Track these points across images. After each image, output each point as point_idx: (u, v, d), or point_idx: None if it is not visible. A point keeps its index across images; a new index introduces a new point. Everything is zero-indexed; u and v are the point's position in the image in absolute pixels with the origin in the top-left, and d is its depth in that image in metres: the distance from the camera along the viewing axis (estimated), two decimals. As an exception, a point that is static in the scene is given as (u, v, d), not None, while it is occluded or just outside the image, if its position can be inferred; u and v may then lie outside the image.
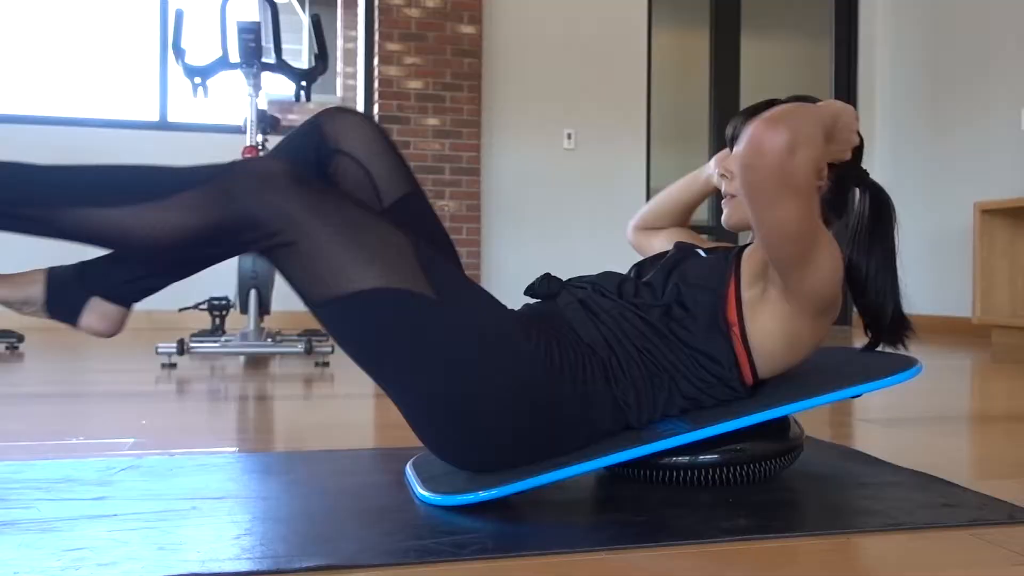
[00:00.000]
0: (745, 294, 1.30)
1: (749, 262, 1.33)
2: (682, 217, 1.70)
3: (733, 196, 1.44)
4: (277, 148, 1.36)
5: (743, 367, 1.31)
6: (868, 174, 1.42)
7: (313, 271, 1.17)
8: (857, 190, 1.41)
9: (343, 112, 1.33)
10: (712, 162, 1.56)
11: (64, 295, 1.22)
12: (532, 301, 1.43)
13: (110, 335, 1.25)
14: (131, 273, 1.22)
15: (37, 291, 1.23)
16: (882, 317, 1.37)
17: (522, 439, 1.26)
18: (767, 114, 1.12)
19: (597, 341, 1.30)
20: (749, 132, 1.12)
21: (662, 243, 1.67)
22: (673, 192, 1.68)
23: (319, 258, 1.16)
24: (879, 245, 1.37)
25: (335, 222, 1.16)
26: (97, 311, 1.23)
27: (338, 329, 1.22)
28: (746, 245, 1.39)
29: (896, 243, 1.38)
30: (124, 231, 1.14)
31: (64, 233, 1.15)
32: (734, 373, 1.31)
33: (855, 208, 1.39)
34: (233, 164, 1.17)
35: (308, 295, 1.20)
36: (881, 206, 1.39)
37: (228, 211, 1.13)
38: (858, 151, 1.36)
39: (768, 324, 1.29)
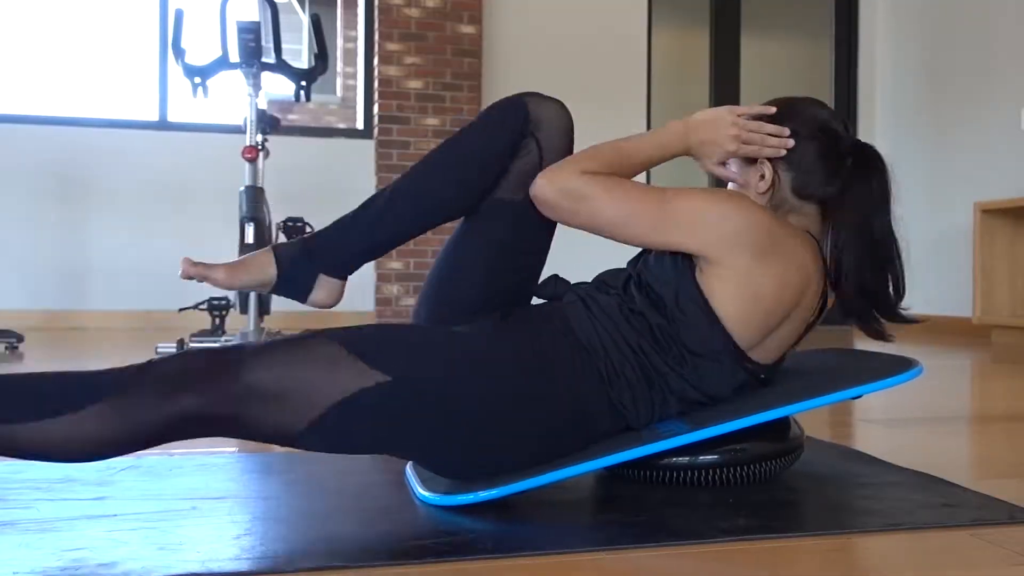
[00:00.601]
0: (695, 262, 1.29)
1: None
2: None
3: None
4: (477, 131, 1.37)
5: (721, 337, 1.27)
6: (850, 139, 1.38)
7: (263, 434, 1.17)
8: (848, 160, 1.37)
9: (549, 99, 1.37)
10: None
11: (294, 275, 1.31)
12: (541, 302, 1.43)
13: (333, 306, 1.34)
14: (351, 248, 1.31)
15: (271, 273, 1.31)
16: (849, 286, 1.32)
17: (521, 448, 1.26)
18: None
19: (593, 341, 1.29)
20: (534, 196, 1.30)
21: None
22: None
23: (261, 424, 1.15)
24: (845, 207, 1.34)
25: (261, 391, 1.13)
26: (325, 288, 1.32)
27: (324, 449, 1.23)
28: None
29: (877, 208, 1.35)
30: (28, 447, 1.09)
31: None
32: (717, 348, 1.28)
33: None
34: (142, 371, 1.15)
35: (284, 443, 1.19)
36: (865, 166, 1.37)
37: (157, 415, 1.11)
38: (812, 127, 1.35)
39: (716, 284, 1.26)
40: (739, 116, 1.35)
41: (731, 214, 1.25)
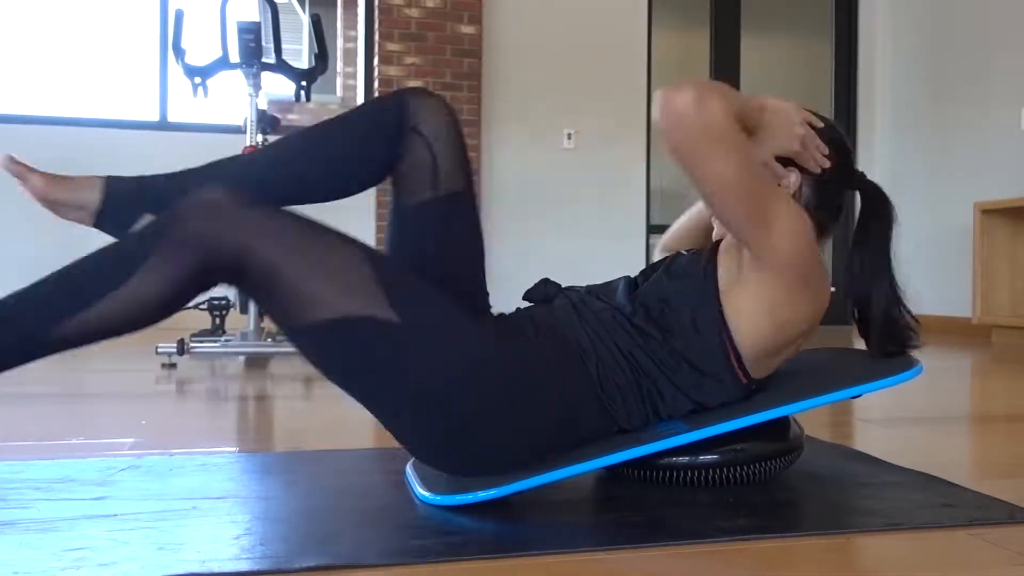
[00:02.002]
0: (722, 282, 1.29)
1: (725, 251, 1.33)
2: (701, 238, 1.61)
3: None
4: (348, 115, 1.34)
5: (730, 359, 1.28)
6: (861, 175, 1.41)
7: (275, 299, 1.17)
8: (855, 193, 1.41)
9: (429, 94, 1.33)
10: None
11: (118, 208, 1.22)
12: (529, 305, 1.43)
13: None
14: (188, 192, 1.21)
15: (93, 197, 1.23)
16: (872, 317, 1.36)
17: (507, 444, 1.25)
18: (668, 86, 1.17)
19: (584, 345, 1.29)
20: (657, 100, 1.17)
21: None
22: (693, 215, 1.63)
23: (277, 286, 1.15)
24: (870, 242, 1.37)
25: (288, 244, 1.14)
26: None
27: (309, 356, 1.23)
28: (721, 241, 1.38)
29: (891, 245, 1.37)
30: (105, 326, 1.11)
31: (54, 349, 1.12)
32: (722, 368, 1.29)
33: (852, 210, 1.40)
34: (175, 209, 1.13)
35: (279, 324, 1.20)
36: (876, 205, 1.38)
37: (193, 257, 1.11)
38: (843, 155, 1.36)
39: (747, 304, 1.27)
40: (806, 119, 1.33)
41: (806, 233, 1.24)
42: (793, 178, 1.35)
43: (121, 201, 1.25)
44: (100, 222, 1.27)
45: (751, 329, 1.27)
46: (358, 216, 5.03)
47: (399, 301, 1.18)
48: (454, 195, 1.34)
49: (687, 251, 1.43)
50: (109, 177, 1.28)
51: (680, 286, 1.32)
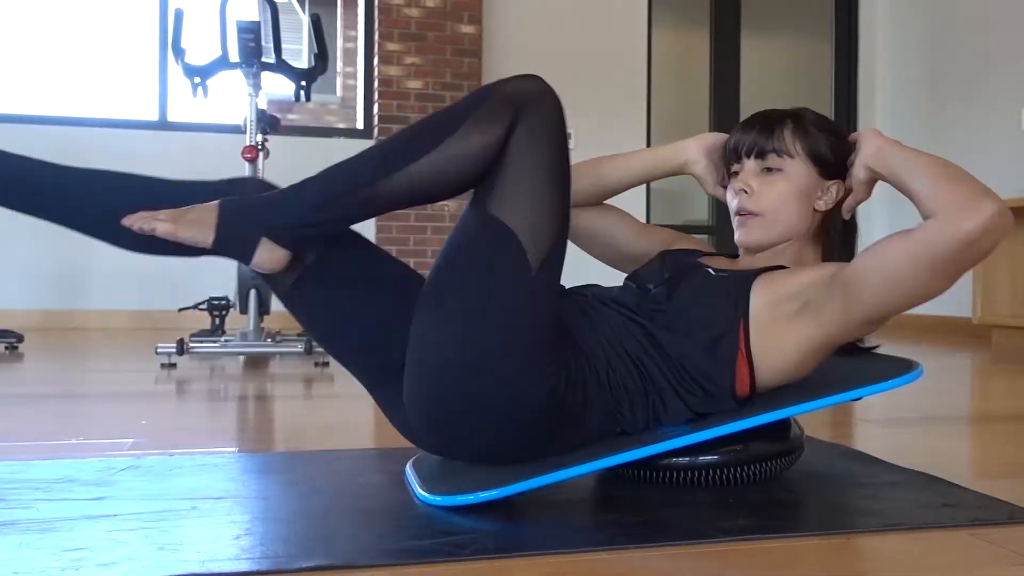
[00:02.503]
0: (755, 314, 1.26)
1: (767, 283, 1.29)
2: (616, 193, 1.55)
3: (754, 214, 1.38)
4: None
5: (739, 384, 1.28)
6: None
7: (495, 181, 1.22)
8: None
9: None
10: (699, 155, 1.48)
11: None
12: None
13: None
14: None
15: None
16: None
17: (511, 435, 1.25)
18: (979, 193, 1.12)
19: (594, 349, 1.29)
20: (984, 213, 1.09)
21: (628, 231, 1.59)
22: (633, 166, 1.52)
23: (509, 176, 1.22)
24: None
25: (545, 159, 1.23)
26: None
27: (458, 235, 1.26)
28: (765, 269, 1.33)
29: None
30: (434, 175, 1.21)
31: (390, 203, 1.24)
32: (727, 391, 1.28)
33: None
34: (501, 82, 1.25)
35: (466, 189, 1.26)
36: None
37: (509, 120, 1.21)
38: None
39: (787, 342, 1.26)
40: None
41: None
42: (837, 190, 1.38)
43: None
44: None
45: (779, 367, 1.28)
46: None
47: (546, 264, 1.23)
48: None
49: (714, 270, 1.36)
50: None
51: (705, 311, 1.29)
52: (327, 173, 1.24)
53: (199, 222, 1.23)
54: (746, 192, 1.39)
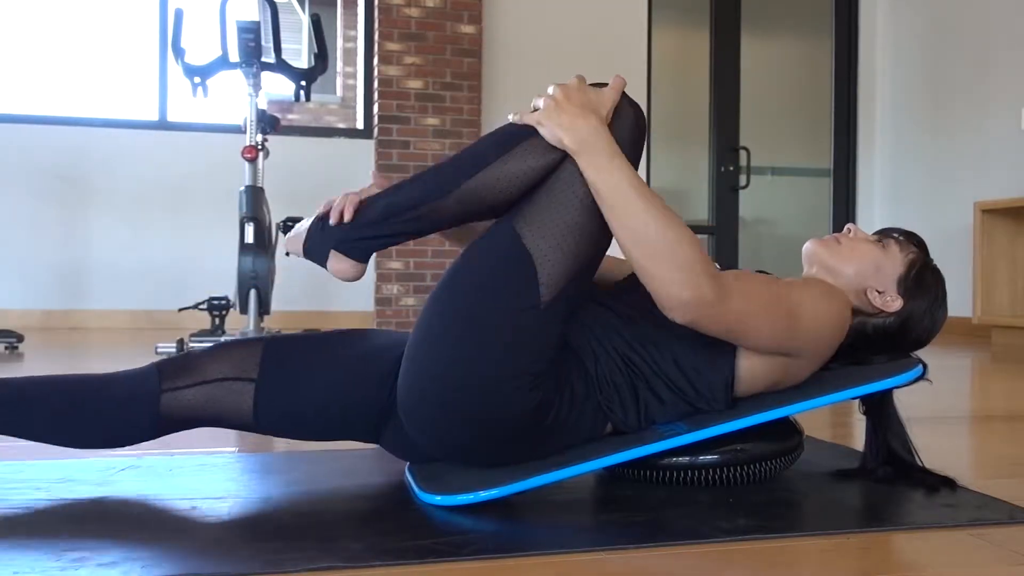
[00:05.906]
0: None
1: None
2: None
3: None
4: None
5: (733, 381, 1.31)
6: None
7: (538, 197, 1.25)
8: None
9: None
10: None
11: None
12: None
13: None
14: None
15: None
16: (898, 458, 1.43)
17: (500, 439, 1.25)
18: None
19: (584, 348, 1.30)
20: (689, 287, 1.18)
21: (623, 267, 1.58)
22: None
23: (546, 191, 1.25)
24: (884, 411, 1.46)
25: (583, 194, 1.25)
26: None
27: (487, 239, 1.28)
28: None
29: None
30: (488, 188, 1.25)
31: (450, 218, 1.28)
32: (719, 387, 1.30)
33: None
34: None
35: (492, 198, 1.26)
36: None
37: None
38: None
39: (759, 372, 1.31)
40: None
41: (840, 327, 1.33)
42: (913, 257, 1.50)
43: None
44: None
45: (758, 382, 1.32)
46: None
47: (557, 300, 1.23)
48: None
49: None
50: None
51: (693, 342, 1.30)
52: (396, 189, 1.29)
53: (298, 237, 1.33)
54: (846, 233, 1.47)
